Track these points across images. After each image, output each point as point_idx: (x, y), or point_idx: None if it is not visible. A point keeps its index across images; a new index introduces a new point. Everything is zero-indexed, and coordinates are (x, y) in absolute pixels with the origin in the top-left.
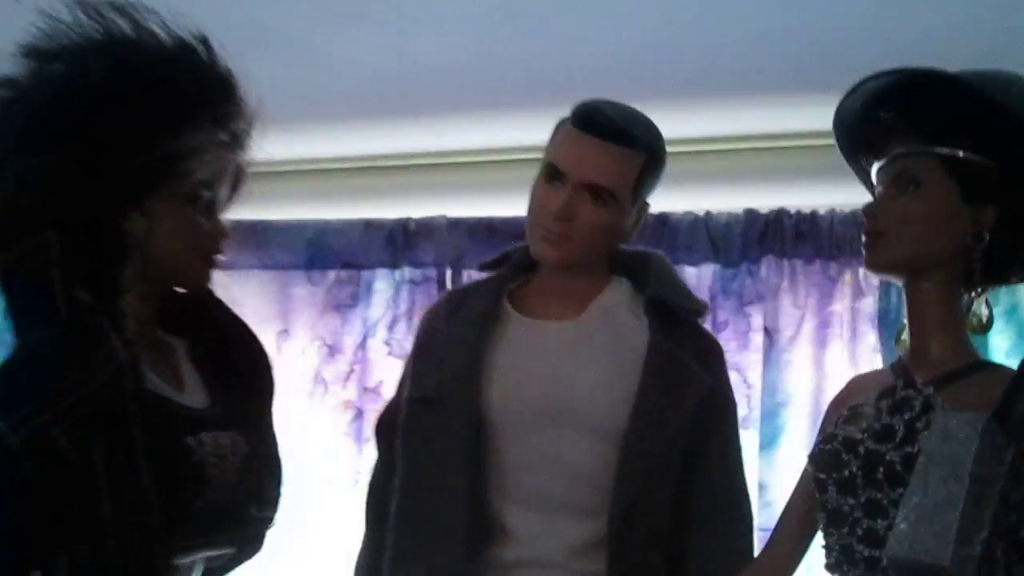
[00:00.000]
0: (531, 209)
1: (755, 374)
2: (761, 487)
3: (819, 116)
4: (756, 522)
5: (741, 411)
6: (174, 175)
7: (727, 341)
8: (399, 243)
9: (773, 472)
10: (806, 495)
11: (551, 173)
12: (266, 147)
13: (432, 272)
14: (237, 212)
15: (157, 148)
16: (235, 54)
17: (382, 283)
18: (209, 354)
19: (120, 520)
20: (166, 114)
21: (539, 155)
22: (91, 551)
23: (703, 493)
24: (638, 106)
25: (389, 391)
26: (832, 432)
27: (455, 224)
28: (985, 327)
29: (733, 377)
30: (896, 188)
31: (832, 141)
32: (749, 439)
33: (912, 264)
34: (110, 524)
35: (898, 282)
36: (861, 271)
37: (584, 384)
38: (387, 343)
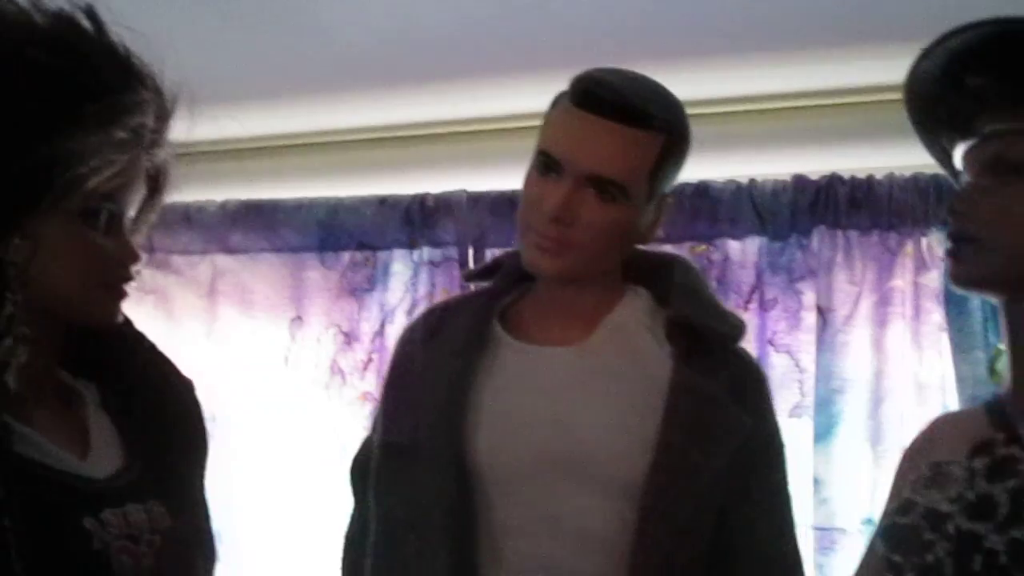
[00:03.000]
0: (522, 208)
1: (808, 358)
2: (816, 483)
3: (874, 69)
4: (811, 521)
5: (793, 398)
6: (59, 188)
7: (776, 321)
8: (416, 221)
9: (829, 466)
10: None
11: (545, 163)
12: (272, 121)
13: (453, 252)
14: (243, 192)
15: (31, 155)
16: (241, 24)
17: (400, 264)
18: (125, 402)
19: None
20: (41, 111)
21: None
22: None
23: (743, 562)
24: (670, 64)
25: None
26: (909, 498)
27: (476, 199)
28: None
29: (784, 361)
30: (992, 177)
31: (892, 96)
32: (802, 429)
33: (1014, 279)
34: None
35: (993, 300)
36: (924, 241)
37: (593, 427)
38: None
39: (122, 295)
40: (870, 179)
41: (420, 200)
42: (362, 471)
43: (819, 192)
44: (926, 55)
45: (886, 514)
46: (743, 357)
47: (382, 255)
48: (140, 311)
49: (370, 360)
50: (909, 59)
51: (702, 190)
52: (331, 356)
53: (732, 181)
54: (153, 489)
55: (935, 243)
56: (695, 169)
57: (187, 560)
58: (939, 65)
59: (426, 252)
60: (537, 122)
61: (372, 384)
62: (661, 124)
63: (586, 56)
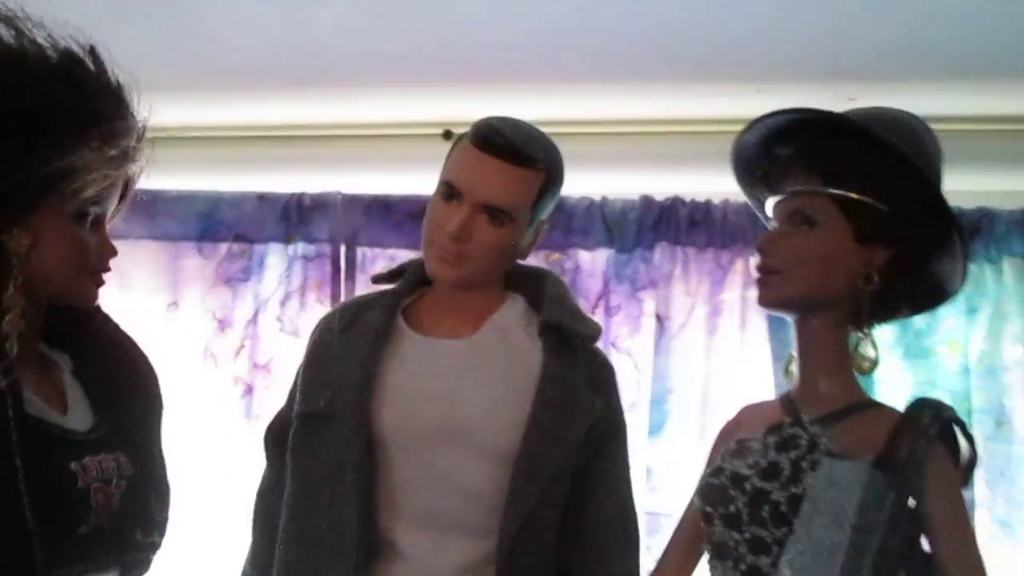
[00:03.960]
0: (427, 226)
1: (645, 359)
2: (648, 472)
3: (715, 103)
4: (644, 506)
5: (631, 395)
6: (59, 193)
7: (619, 326)
8: (293, 218)
9: (660, 457)
10: (693, 524)
11: (448, 192)
12: (158, 114)
13: (326, 248)
14: None
15: (42, 166)
16: (134, 20)
17: (275, 258)
18: (93, 370)
19: (2, 551)
20: (52, 131)
21: (436, 130)
22: None
23: (592, 515)
24: (539, 86)
25: (279, 368)
26: (720, 466)
27: (351, 200)
28: (872, 368)
29: (624, 362)
30: (791, 225)
31: (731, 128)
32: (637, 424)
33: (805, 302)
34: None
35: (788, 318)
36: (752, 260)
37: (477, 404)
38: (279, 319)
39: (101, 282)
40: (708, 203)
41: (297, 198)
42: (275, 437)
43: (663, 211)
44: (747, 129)
45: (702, 478)
46: (597, 354)
47: (258, 248)
48: None
49: (242, 346)
50: (747, 95)
51: (558, 204)
52: (205, 340)
53: (586, 197)
54: (118, 442)
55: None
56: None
57: (144, 500)
58: (757, 137)
59: (300, 247)
60: (409, 130)
61: (244, 369)
62: (542, 165)
63: (457, 74)
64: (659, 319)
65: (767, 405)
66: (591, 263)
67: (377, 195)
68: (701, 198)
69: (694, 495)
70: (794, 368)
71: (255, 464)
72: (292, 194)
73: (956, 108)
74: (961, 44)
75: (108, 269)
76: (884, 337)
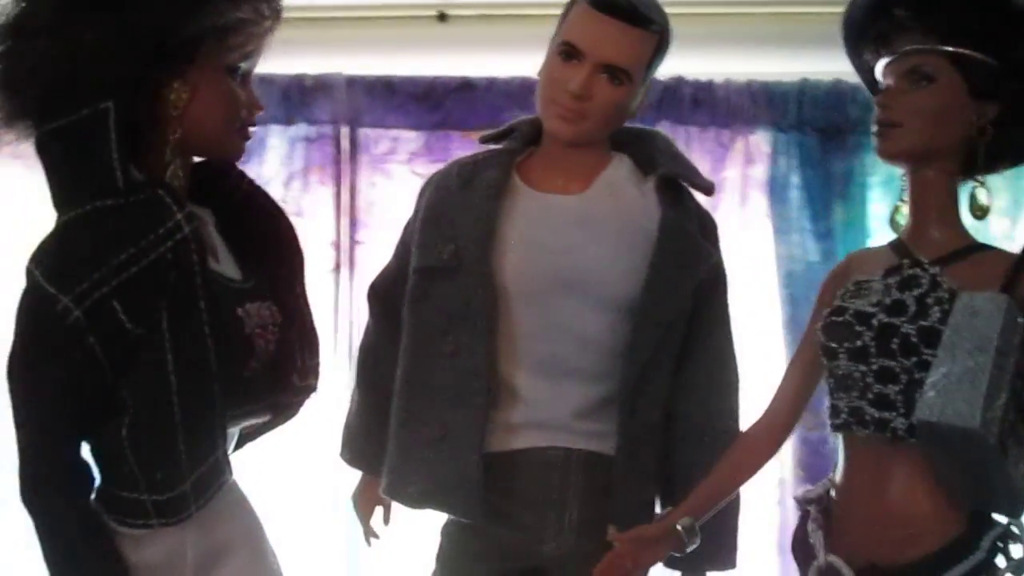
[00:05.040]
0: (546, 85)
1: None
2: None
3: None
4: None
5: None
6: (221, 47)
7: None
8: (294, 99)
9: None
10: (805, 362)
11: (568, 51)
12: None
13: (328, 129)
14: None
15: (211, 19)
16: None
17: (276, 139)
18: (236, 225)
19: (185, 391)
20: None
21: (431, 12)
22: (153, 420)
23: (699, 356)
24: None
25: None
26: (841, 305)
27: (353, 82)
28: (985, 214)
29: None
30: (908, 82)
31: (733, 10)
32: None
33: (922, 153)
34: (176, 395)
35: (902, 168)
36: (752, 139)
37: (593, 257)
38: (283, 201)
39: (248, 136)
40: (711, 83)
41: (299, 80)
42: (378, 293)
43: (666, 90)
44: None
45: (821, 317)
46: (701, 207)
47: (258, 129)
48: None
49: None
50: None
51: None
52: None
53: None
54: (266, 293)
55: (761, 141)
56: None
57: (291, 349)
58: (869, 1)
59: (302, 129)
60: (416, 12)
61: None
62: (657, 27)
63: None
64: None
65: (876, 251)
66: None
67: (380, 76)
68: (704, 78)
69: (808, 334)
70: (900, 218)
71: (359, 351)
72: (293, 75)
73: None
74: None
75: (255, 124)
76: (879, 213)
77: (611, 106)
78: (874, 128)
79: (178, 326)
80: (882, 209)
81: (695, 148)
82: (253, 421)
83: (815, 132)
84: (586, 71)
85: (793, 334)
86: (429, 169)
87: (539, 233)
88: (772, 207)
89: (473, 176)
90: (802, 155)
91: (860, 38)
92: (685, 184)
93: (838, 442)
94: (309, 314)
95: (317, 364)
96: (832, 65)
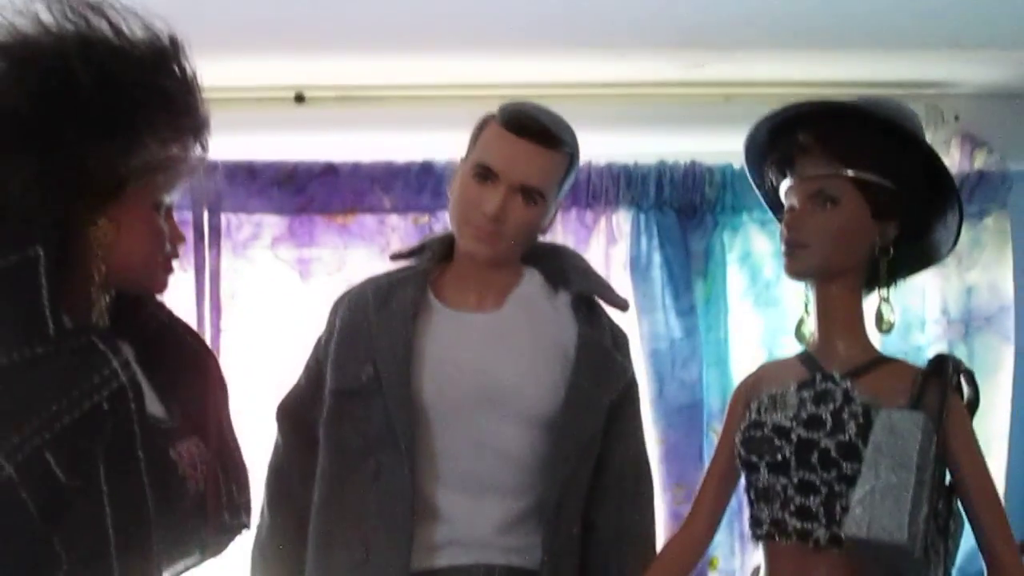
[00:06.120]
0: (460, 206)
1: None
2: None
3: (587, 68)
4: None
5: None
6: (148, 185)
7: None
8: None
9: None
10: (721, 474)
11: (483, 173)
12: None
13: (188, 216)
14: None
15: (140, 158)
16: None
17: None
18: (154, 358)
19: (123, 544)
20: (153, 121)
21: (288, 93)
22: (92, 572)
23: (615, 467)
24: (387, 50)
25: None
26: (758, 419)
27: (213, 166)
28: (891, 328)
29: None
30: (814, 204)
31: (596, 92)
32: None
33: (828, 271)
34: (114, 548)
35: (810, 284)
36: (614, 219)
37: (511, 374)
38: None
39: (172, 269)
40: None
41: None
42: (288, 413)
43: None
44: (769, 119)
45: (739, 431)
46: (613, 322)
47: None
48: None
49: None
50: (609, 59)
51: (427, 167)
52: None
53: (453, 161)
54: (190, 428)
55: (622, 221)
56: (420, 148)
57: (219, 486)
58: (777, 124)
59: None
60: (273, 94)
61: None
62: (568, 148)
63: (308, 39)
64: None
65: (786, 362)
66: None
67: (241, 160)
68: None
69: (737, 446)
70: (805, 330)
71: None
72: None
73: (805, 75)
74: (809, 16)
75: (178, 256)
76: (737, 288)
77: (526, 226)
78: (783, 248)
79: (116, 478)
80: (739, 284)
81: (559, 229)
82: (185, 562)
83: (673, 211)
84: (501, 193)
85: (659, 411)
86: (293, 254)
87: (457, 352)
88: (635, 286)
89: (389, 296)
90: (661, 234)
91: (763, 159)
92: (598, 300)
93: (758, 549)
94: (238, 448)
95: (248, 500)
96: (688, 145)
